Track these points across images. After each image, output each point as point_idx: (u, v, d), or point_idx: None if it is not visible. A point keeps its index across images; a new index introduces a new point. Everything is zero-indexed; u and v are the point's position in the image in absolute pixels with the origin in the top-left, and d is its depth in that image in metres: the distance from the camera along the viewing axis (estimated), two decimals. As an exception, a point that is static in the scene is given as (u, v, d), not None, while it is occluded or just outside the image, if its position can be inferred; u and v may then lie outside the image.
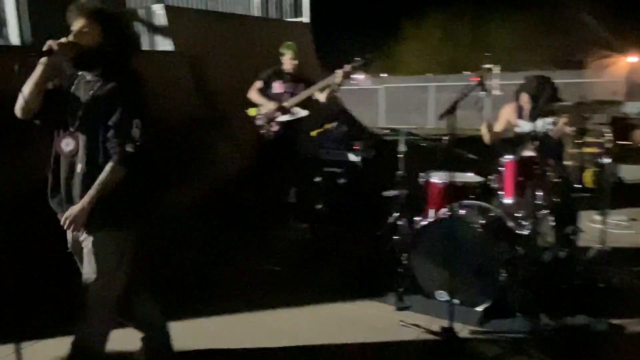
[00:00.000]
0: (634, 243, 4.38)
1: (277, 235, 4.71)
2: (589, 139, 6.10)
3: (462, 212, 3.40)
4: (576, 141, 4.02)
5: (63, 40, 2.15)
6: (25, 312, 3.19)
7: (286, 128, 4.69)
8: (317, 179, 5.32)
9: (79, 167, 2.23)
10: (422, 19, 26.80)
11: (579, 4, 21.65)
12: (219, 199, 5.00)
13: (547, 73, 14.66)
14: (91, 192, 2.19)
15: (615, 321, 3.09)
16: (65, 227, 2.21)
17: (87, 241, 2.27)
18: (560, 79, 14.83)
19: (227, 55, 7.23)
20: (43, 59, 2.14)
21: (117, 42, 2.28)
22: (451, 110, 2.77)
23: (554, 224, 3.38)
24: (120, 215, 2.28)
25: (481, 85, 3.17)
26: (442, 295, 3.29)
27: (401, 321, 3.19)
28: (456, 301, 3.23)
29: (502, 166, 3.34)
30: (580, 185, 3.82)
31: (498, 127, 4.09)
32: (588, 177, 6.15)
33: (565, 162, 3.88)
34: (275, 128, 4.68)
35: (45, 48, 2.11)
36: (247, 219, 4.83)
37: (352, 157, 5.18)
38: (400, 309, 3.38)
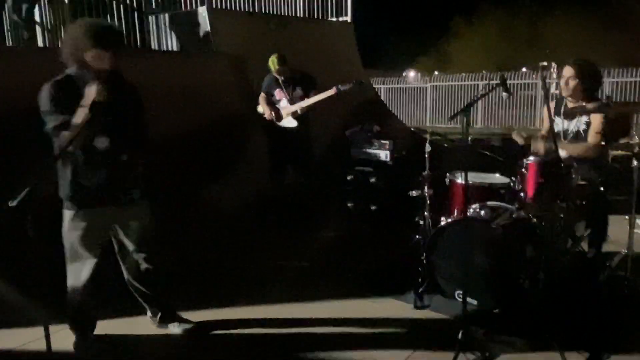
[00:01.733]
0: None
1: (307, 233, 4.82)
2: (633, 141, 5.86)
3: (483, 213, 3.37)
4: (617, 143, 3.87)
5: (99, 90, 2.41)
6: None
7: (287, 131, 5.10)
8: (349, 177, 5.38)
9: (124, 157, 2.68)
10: (470, 17, 26.21)
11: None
12: (252, 196, 5.18)
13: (608, 71, 13.86)
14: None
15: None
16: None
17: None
18: (622, 77, 14.14)
19: (270, 55, 7.43)
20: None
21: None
22: (466, 110, 2.75)
23: (574, 227, 3.29)
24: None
25: (504, 85, 3.13)
26: (460, 296, 3.27)
27: (417, 319, 3.21)
28: (474, 302, 3.24)
29: (524, 167, 3.28)
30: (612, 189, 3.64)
31: (543, 130, 3.98)
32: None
33: (598, 165, 3.73)
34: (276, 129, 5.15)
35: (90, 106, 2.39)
36: (279, 217, 5.00)
37: (382, 156, 5.21)
38: (418, 307, 3.40)
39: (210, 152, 5.71)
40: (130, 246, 2.87)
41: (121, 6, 6.95)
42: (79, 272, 2.75)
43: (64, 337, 2.88)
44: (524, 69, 18.88)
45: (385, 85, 18.32)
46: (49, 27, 6.54)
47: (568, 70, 3.65)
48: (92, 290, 2.79)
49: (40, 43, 6.53)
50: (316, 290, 3.73)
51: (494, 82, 3.13)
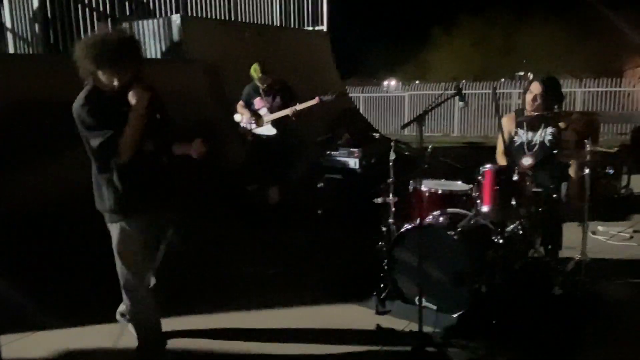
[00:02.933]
0: (632, 255, 4.30)
1: (275, 240, 4.86)
2: (599, 149, 6.04)
3: (442, 219, 3.45)
4: (581, 151, 4.00)
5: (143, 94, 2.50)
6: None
7: (263, 138, 5.19)
8: (319, 185, 5.43)
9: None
10: (448, 27, 26.64)
11: (615, 12, 21.05)
12: (223, 203, 5.20)
13: (583, 81, 14.16)
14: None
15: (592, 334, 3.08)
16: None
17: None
18: (595, 87, 14.49)
19: (246, 63, 7.48)
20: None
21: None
22: (419, 119, 2.83)
23: (529, 233, 3.38)
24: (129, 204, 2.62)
25: (459, 94, 3.22)
26: (420, 301, 3.33)
27: (377, 325, 3.26)
28: (433, 307, 3.31)
29: (481, 175, 3.37)
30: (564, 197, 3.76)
31: (500, 148, 4.07)
32: (598, 188, 6.04)
33: (558, 172, 3.84)
34: (252, 137, 5.24)
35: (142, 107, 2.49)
36: (248, 223, 5.02)
37: (352, 164, 5.28)
38: (379, 313, 3.45)
39: (182, 159, 5.71)
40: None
41: (94, 13, 6.94)
42: (142, 284, 2.70)
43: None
44: (502, 79, 19.24)
45: (363, 93, 18.47)
46: (20, 33, 6.51)
47: (537, 87, 3.75)
48: (155, 302, 2.79)
49: (11, 49, 6.49)
50: (280, 297, 3.76)
51: (450, 91, 3.20)
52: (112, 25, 7.22)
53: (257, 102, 5.22)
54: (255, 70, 5.08)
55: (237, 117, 5.33)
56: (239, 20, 8.48)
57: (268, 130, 5.14)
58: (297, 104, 4.98)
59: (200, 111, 6.28)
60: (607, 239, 4.91)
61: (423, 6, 33.63)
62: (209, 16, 8.09)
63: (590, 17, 22.40)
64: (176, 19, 6.98)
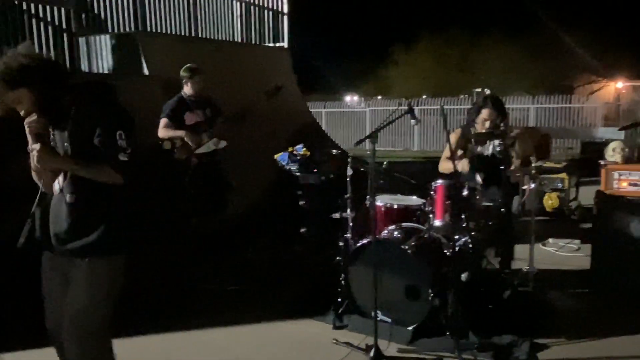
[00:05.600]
0: (579, 265, 4.49)
1: (233, 256, 4.84)
2: (548, 164, 6.30)
3: (396, 234, 3.54)
4: (528, 166, 4.17)
5: (30, 122, 2.10)
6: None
7: (209, 157, 4.62)
8: (278, 201, 5.46)
9: (68, 197, 2.16)
10: (408, 44, 27.36)
11: (567, 30, 22.08)
12: (177, 220, 5.13)
13: (536, 98, 14.74)
14: (78, 161, 2.12)
15: (540, 340, 3.20)
16: (34, 161, 2.10)
17: (78, 268, 2.18)
18: (547, 103, 15.11)
19: (206, 79, 7.48)
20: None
21: (49, 81, 2.16)
22: (372, 136, 2.91)
23: (480, 246, 3.50)
24: (118, 239, 2.24)
25: (411, 112, 3.33)
26: (375, 315, 3.39)
27: (334, 339, 3.30)
28: (388, 320, 3.37)
29: (433, 190, 3.48)
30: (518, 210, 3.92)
31: (446, 153, 4.20)
32: (547, 201, 6.30)
33: (507, 186, 3.99)
34: (195, 160, 4.58)
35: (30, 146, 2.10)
36: (203, 241, 4.93)
37: (311, 179, 5.33)
38: (337, 327, 3.49)
39: (140, 176, 5.62)
40: None
41: (49, 27, 6.80)
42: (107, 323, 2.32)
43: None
44: (461, 96, 19.83)
45: (325, 109, 18.69)
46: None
47: (488, 114, 3.93)
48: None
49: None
50: (238, 313, 3.76)
51: (402, 108, 3.31)
52: (67, 39, 7.11)
53: (189, 117, 4.59)
54: (187, 70, 4.60)
55: (166, 145, 4.52)
56: (199, 35, 8.47)
57: (215, 144, 4.60)
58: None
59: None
60: (556, 250, 5.12)
61: (384, 24, 34.46)
62: (168, 32, 8.05)
63: (543, 37, 23.42)
64: (134, 34, 6.93)
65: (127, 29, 7.44)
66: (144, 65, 6.78)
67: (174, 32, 8.02)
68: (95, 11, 7.40)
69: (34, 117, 2.11)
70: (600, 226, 3.92)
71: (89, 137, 2.14)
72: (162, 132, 4.60)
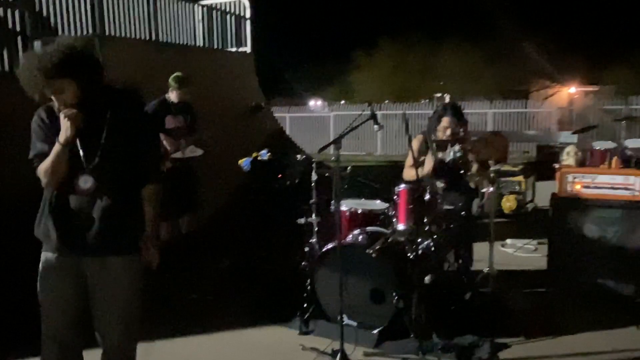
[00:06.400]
0: (537, 266, 4.64)
1: (198, 264, 4.78)
2: (505, 167, 6.50)
3: (361, 238, 3.57)
4: (487, 170, 4.29)
5: (72, 114, 2.09)
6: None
7: (183, 162, 4.69)
8: (243, 207, 5.43)
9: (103, 201, 2.16)
10: (370, 50, 27.73)
11: (522, 37, 22.83)
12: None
13: (493, 102, 15.13)
14: (150, 219, 2.29)
15: (501, 340, 3.29)
16: (147, 264, 2.30)
17: (111, 266, 2.21)
18: (504, 108, 15.53)
19: (166, 83, 7.37)
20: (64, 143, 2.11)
21: (93, 78, 2.18)
22: (336, 141, 2.94)
23: (442, 249, 3.58)
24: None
25: (374, 118, 3.37)
26: (341, 319, 3.41)
27: (300, 345, 3.30)
28: (354, 324, 3.40)
29: (396, 194, 3.54)
30: (477, 211, 4.04)
31: (409, 161, 4.26)
32: (505, 203, 6.50)
33: (467, 190, 4.10)
34: (171, 164, 4.61)
35: (66, 136, 2.10)
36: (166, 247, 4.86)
37: (275, 185, 5.32)
38: (303, 333, 3.50)
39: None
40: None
41: (2, 30, 6.57)
42: (52, 341, 2.29)
43: None
44: (423, 101, 20.21)
45: (289, 113, 18.70)
46: None
47: (448, 122, 4.07)
48: None
49: None
50: (203, 322, 3.72)
51: (366, 113, 3.36)
52: (22, 43, 6.88)
53: (169, 121, 4.70)
54: (175, 80, 4.70)
55: None
56: (160, 40, 8.34)
57: (192, 151, 4.73)
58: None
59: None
60: (514, 251, 5.28)
61: (346, 29, 34.79)
62: (128, 36, 7.89)
63: (500, 43, 24.15)
64: (92, 37, 6.76)
65: (85, 33, 7.26)
66: (104, 69, 6.63)
67: (134, 36, 7.87)
68: (51, 13, 7.18)
69: (72, 109, 2.10)
70: (556, 227, 4.06)
71: (125, 143, 2.19)
72: None
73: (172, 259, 4.62)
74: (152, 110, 4.66)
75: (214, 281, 4.53)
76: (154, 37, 8.17)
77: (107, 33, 7.32)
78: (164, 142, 4.60)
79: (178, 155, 4.65)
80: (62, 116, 2.10)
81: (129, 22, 7.85)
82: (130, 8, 7.80)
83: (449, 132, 4.04)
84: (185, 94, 4.76)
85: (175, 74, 4.79)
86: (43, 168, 2.16)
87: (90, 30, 7.17)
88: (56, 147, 2.12)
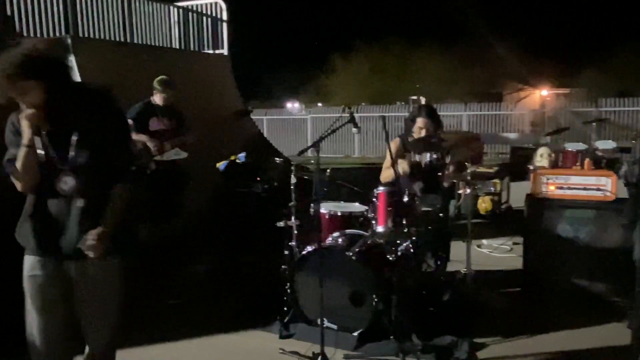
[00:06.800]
0: (512, 265, 4.72)
1: (178, 269, 4.73)
2: (481, 169, 6.60)
3: (340, 241, 3.58)
4: (463, 171, 4.35)
5: (29, 114, 2.06)
6: None
7: (168, 165, 4.73)
8: (222, 210, 5.38)
9: (79, 202, 2.15)
10: (346, 52, 27.91)
11: (496, 41, 23.25)
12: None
13: (468, 105, 15.37)
14: (109, 217, 2.17)
15: (479, 339, 3.34)
16: (86, 253, 2.10)
17: (95, 269, 2.20)
18: (479, 111, 15.76)
19: (142, 86, 7.27)
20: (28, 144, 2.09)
21: (59, 80, 2.12)
22: (316, 144, 2.94)
23: (421, 250, 3.62)
24: (128, 241, 2.32)
25: (352, 121, 3.39)
26: (321, 322, 3.41)
27: (280, 349, 3.29)
28: (334, 327, 3.40)
29: (375, 197, 3.56)
30: (456, 213, 4.10)
31: (387, 163, 4.28)
32: (481, 204, 6.59)
33: (444, 192, 4.14)
34: (153, 166, 4.66)
35: (27, 137, 2.08)
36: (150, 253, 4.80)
37: (254, 188, 5.30)
38: (283, 337, 3.48)
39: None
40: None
41: (-30, 31, 6.39)
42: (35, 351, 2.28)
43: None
44: (398, 103, 20.37)
45: (267, 116, 18.64)
46: None
47: (423, 122, 4.08)
48: None
49: None
50: (182, 327, 3.67)
51: (345, 115, 3.37)
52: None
53: (154, 123, 4.72)
54: (160, 83, 4.73)
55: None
56: (135, 41, 8.23)
57: (176, 153, 4.74)
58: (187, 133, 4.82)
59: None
60: (490, 251, 5.36)
61: (323, 32, 34.90)
62: (102, 37, 7.76)
63: (474, 47, 24.57)
64: (66, 39, 6.63)
65: (58, 34, 7.12)
66: (77, 71, 6.51)
67: (108, 38, 7.74)
68: (23, 15, 7.02)
69: (30, 110, 2.07)
70: (531, 227, 4.13)
71: (96, 145, 2.16)
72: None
73: (150, 263, 4.59)
74: (136, 111, 4.72)
75: (193, 286, 4.48)
76: (128, 39, 8.06)
77: (80, 34, 7.19)
78: (148, 144, 4.64)
79: (162, 158, 4.70)
80: (21, 117, 2.10)
81: (103, 24, 7.72)
82: (104, 9, 7.68)
83: (423, 132, 4.07)
84: (170, 97, 4.79)
85: (160, 77, 4.82)
86: (14, 172, 2.15)
87: (63, 32, 7.03)
88: (20, 149, 2.11)
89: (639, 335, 2.01)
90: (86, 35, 7.40)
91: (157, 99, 4.81)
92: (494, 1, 28.57)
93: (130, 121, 4.53)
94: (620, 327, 3.37)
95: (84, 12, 7.33)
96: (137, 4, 8.20)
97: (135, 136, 4.59)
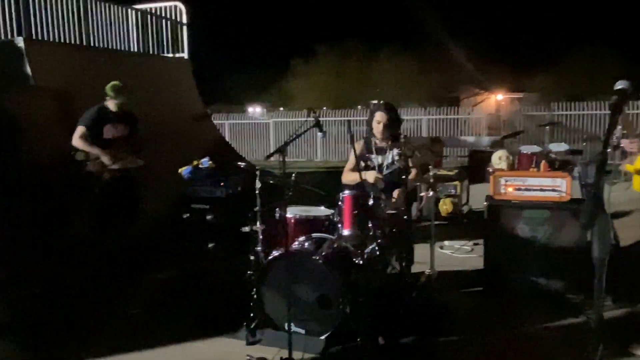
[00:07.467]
0: (474, 265, 4.84)
1: (141, 277, 4.62)
2: (441, 172, 6.73)
3: (307, 245, 3.59)
4: (425, 173, 4.43)
5: None
6: None
7: (124, 172, 4.63)
8: (185, 216, 5.29)
9: None
10: (307, 57, 28.06)
11: (453, 47, 23.83)
12: (78, 242, 4.80)
13: (427, 109, 15.58)
14: None
15: (443, 339, 3.41)
16: None
17: None
18: (437, 115, 16.01)
19: (99, 91, 7.08)
20: None
21: None
22: (282, 149, 2.95)
23: (386, 252, 3.67)
24: None
25: (318, 125, 3.41)
26: (289, 327, 3.40)
27: (247, 355, 3.26)
28: (302, 331, 3.40)
29: (340, 200, 3.59)
30: (419, 214, 4.18)
31: (350, 165, 4.31)
32: (442, 206, 6.74)
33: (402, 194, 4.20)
34: (109, 175, 4.55)
35: None
36: (109, 262, 4.69)
37: (218, 193, 5.24)
38: (250, 343, 3.45)
39: (28, 197, 5.19)
40: None
41: None
42: None
43: None
44: (359, 107, 20.57)
45: (229, 120, 18.47)
46: None
47: (382, 116, 4.12)
48: None
49: None
50: (146, 336, 3.59)
51: (310, 119, 3.39)
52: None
53: (108, 130, 4.60)
54: (112, 89, 4.59)
55: (79, 156, 4.47)
56: (92, 44, 8.01)
57: (132, 162, 4.65)
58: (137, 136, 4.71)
59: (48, 143, 5.78)
60: (452, 252, 5.48)
61: (284, 36, 34.91)
62: (57, 40, 7.52)
63: (432, 52, 25.09)
64: (19, 41, 6.40)
65: (9, 36, 6.85)
66: (30, 75, 6.29)
67: (63, 40, 7.51)
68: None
69: None
70: (491, 228, 4.25)
71: None
72: (78, 142, 4.50)
73: (111, 271, 4.48)
74: (90, 117, 4.56)
75: (157, 294, 4.39)
76: (84, 42, 7.84)
77: (33, 37, 6.95)
78: (102, 158, 4.51)
79: (117, 166, 4.56)
80: None
81: (58, 26, 7.48)
82: (59, 11, 7.45)
83: (381, 126, 4.11)
84: (123, 104, 4.65)
85: (112, 83, 4.66)
86: None
87: (15, 34, 6.78)
88: None
89: (599, 328, 2.11)
90: (40, 37, 7.16)
91: (110, 105, 4.67)
92: (451, 8, 29.32)
93: (83, 129, 4.51)
94: (578, 322, 3.51)
95: (38, 13, 7.07)
96: (94, 6, 7.99)
97: (88, 148, 4.51)
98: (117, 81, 4.73)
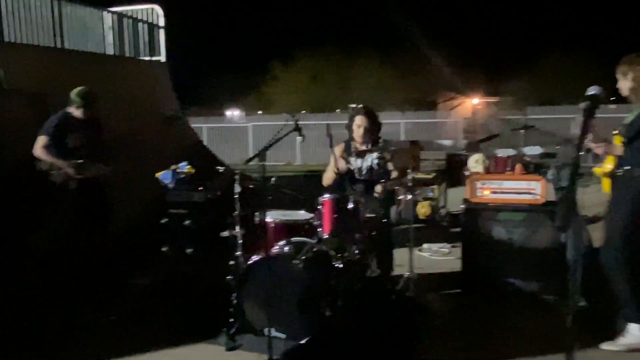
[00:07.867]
0: (452, 268, 4.90)
1: (118, 283, 4.55)
2: (419, 175, 6.80)
3: (287, 249, 3.59)
4: (404, 177, 4.47)
5: None
6: None
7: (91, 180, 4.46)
8: (163, 221, 5.23)
9: None
10: (286, 61, 28.07)
11: (429, 52, 24.12)
12: (54, 248, 4.71)
13: (405, 113, 15.77)
14: None
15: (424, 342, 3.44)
16: None
17: None
18: (415, 119, 16.19)
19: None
20: None
21: None
22: (261, 153, 2.95)
23: (365, 256, 3.69)
24: None
25: (298, 130, 3.42)
26: (269, 331, 3.40)
27: (228, 361, 3.24)
28: (282, 336, 3.39)
29: (320, 204, 3.60)
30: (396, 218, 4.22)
31: (331, 168, 4.33)
32: (420, 209, 6.80)
33: (385, 197, 4.24)
34: (75, 184, 4.36)
35: None
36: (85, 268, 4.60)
37: (196, 197, 5.19)
38: (230, 348, 3.43)
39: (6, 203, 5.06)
40: None
41: None
42: None
43: None
44: (338, 110, 20.66)
45: (207, 124, 18.36)
46: None
47: (362, 120, 4.16)
48: None
49: None
50: (124, 344, 3.54)
51: (291, 123, 3.40)
52: None
53: (73, 139, 4.38)
54: (78, 95, 4.35)
55: (42, 165, 4.26)
56: (66, 47, 7.88)
57: (97, 170, 4.46)
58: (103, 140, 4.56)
59: (21, 148, 5.66)
60: (431, 255, 5.53)
61: (262, 39, 34.86)
62: (30, 42, 7.38)
63: (410, 56, 25.36)
64: (-10, 44, 6.27)
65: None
66: (3, 78, 6.16)
67: (37, 43, 7.37)
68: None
69: None
70: (468, 231, 4.32)
71: None
72: (40, 152, 4.25)
73: (87, 278, 4.40)
74: (52, 126, 4.30)
75: (135, 300, 4.33)
76: (59, 44, 7.71)
77: (6, 39, 6.81)
78: (66, 170, 4.30)
79: (83, 175, 4.38)
80: None
81: (31, 28, 7.35)
82: (32, 13, 7.31)
83: (361, 130, 4.15)
84: (89, 114, 4.44)
85: (78, 89, 4.43)
86: None
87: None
88: None
89: (573, 325, 2.15)
90: (12, 40, 7.02)
91: (76, 112, 4.42)
92: (428, 13, 29.70)
93: (45, 138, 4.26)
94: (553, 321, 3.58)
95: (10, 15, 6.93)
96: (68, 8, 7.87)
97: (50, 159, 4.28)
98: (83, 87, 4.53)
